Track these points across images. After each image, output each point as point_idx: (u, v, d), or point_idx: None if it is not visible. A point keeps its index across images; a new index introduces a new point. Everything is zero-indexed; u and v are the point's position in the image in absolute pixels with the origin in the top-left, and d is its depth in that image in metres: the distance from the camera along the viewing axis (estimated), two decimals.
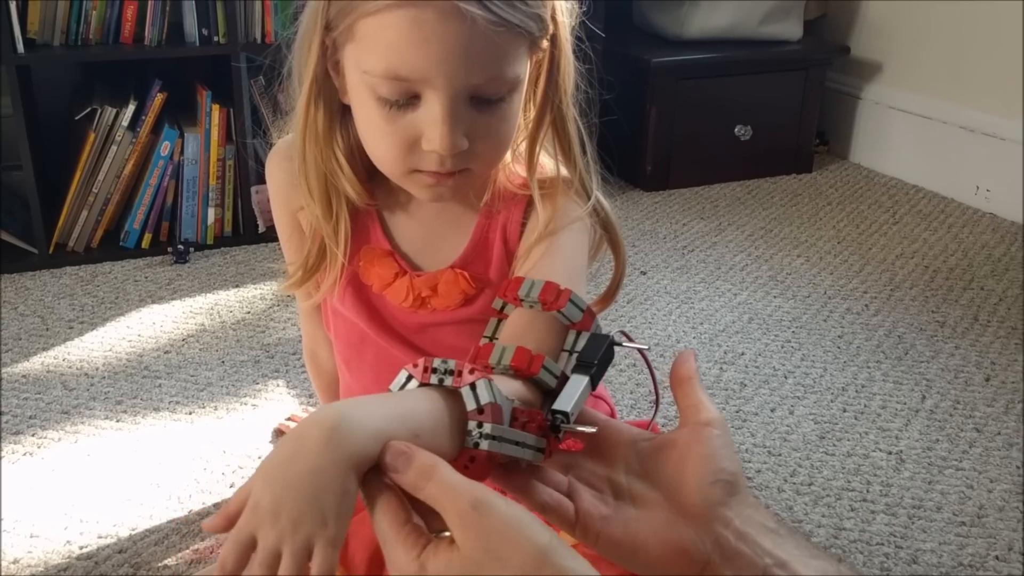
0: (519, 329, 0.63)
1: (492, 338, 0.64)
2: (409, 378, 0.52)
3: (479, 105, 0.68)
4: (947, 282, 1.70)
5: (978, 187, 2.06)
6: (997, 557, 1.01)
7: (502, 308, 0.65)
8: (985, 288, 1.67)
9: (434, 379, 0.51)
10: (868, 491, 1.11)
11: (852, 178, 2.27)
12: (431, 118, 0.67)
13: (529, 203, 0.79)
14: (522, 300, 0.59)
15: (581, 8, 0.75)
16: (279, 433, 1.24)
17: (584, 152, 0.80)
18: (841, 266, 1.78)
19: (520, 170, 0.79)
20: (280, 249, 0.89)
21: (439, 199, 0.76)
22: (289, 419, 1.26)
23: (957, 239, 1.90)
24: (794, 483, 1.13)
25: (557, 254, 0.76)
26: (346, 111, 0.74)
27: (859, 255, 1.83)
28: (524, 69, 0.70)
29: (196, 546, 1.01)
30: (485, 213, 0.80)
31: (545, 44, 0.71)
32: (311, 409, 1.27)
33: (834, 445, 1.21)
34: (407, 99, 0.67)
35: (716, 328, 1.53)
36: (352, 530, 0.83)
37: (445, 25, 0.63)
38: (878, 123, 2.32)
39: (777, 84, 2.23)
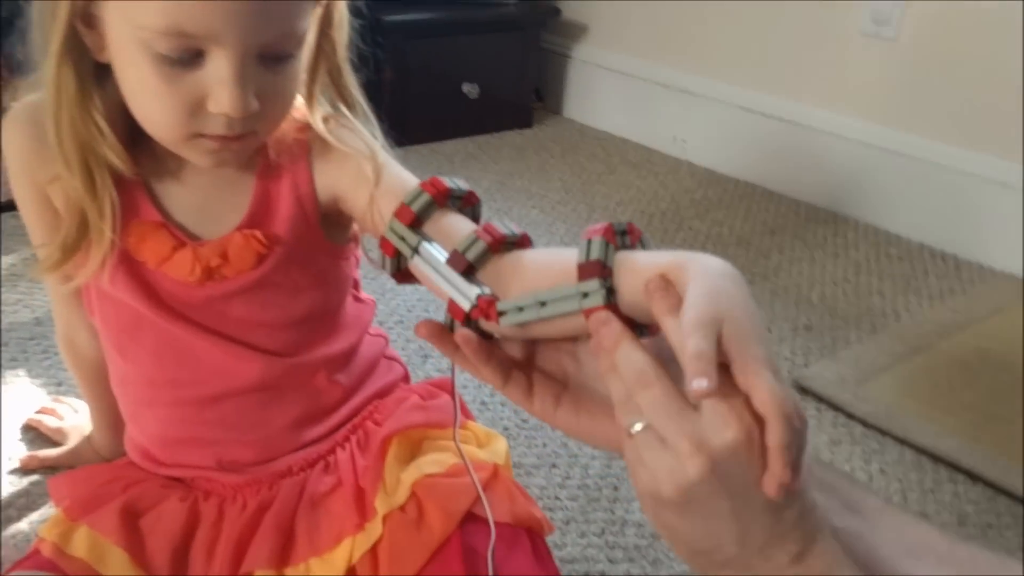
0: None
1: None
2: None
3: (267, 63, 0.65)
4: (662, 224, 1.89)
5: (675, 137, 2.29)
6: None
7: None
8: (693, 228, 1.88)
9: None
10: None
11: (568, 132, 2.43)
12: (219, 78, 0.63)
13: (311, 153, 0.76)
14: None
15: None
16: (30, 428, 1.12)
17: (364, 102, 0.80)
18: (572, 215, 1.91)
19: (296, 114, 0.76)
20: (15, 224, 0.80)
21: (222, 165, 0.72)
22: (41, 412, 1.14)
23: (664, 185, 2.11)
24: None
25: (398, 170, 0.74)
26: (101, 69, 0.68)
27: (585, 203, 1.97)
28: (308, 23, 0.69)
29: None
30: (264, 169, 0.76)
31: None
32: (64, 400, 1.16)
33: None
34: (189, 56, 0.62)
35: None
36: (149, 527, 0.79)
37: None
38: (587, 81, 2.50)
39: (498, 44, 2.32)
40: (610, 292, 0.51)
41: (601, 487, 1.10)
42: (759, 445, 0.44)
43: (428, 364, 1.34)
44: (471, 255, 0.61)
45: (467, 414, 0.95)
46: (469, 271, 0.61)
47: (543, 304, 0.55)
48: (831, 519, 0.52)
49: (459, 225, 0.66)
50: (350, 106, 0.79)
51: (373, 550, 0.78)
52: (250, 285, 0.77)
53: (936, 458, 1.18)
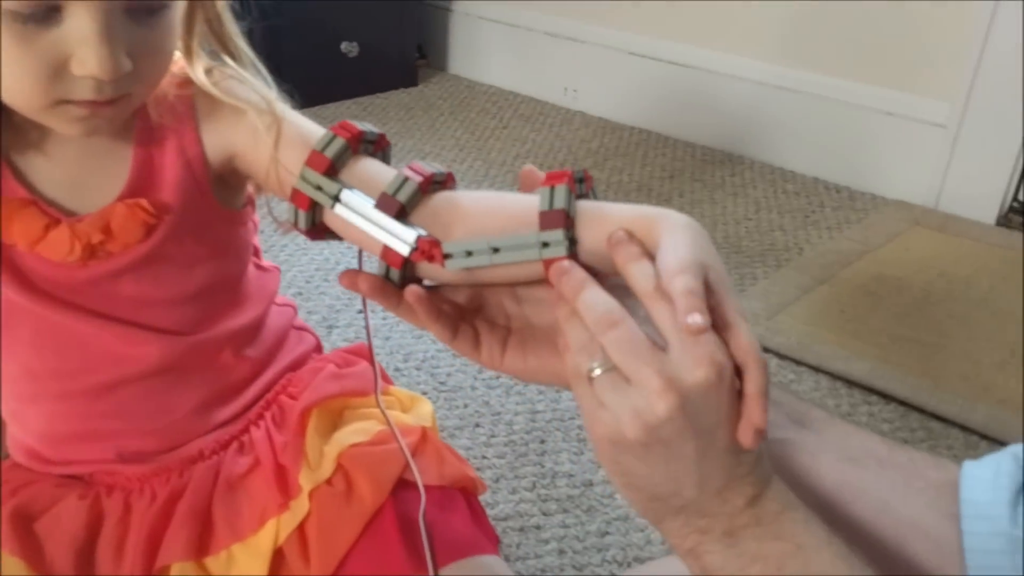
0: None
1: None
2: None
3: (137, 16, 0.58)
4: None
5: (566, 88, 2.26)
6: None
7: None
8: (593, 178, 1.86)
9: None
10: None
11: (456, 89, 2.38)
12: (82, 36, 0.55)
13: (196, 111, 0.70)
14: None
15: None
16: None
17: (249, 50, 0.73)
18: (469, 172, 1.86)
19: (174, 69, 0.69)
20: None
21: (93, 133, 0.64)
22: None
23: (559, 136, 2.08)
24: (483, 379, 1.19)
25: (299, 119, 0.68)
26: None
27: (482, 160, 1.93)
28: None
29: None
30: (143, 133, 0.69)
31: None
32: None
33: None
34: (44, 12, 0.55)
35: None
36: (46, 531, 0.72)
37: None
38: (472, 34, 2.44)
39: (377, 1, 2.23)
40: (571, 243, 0.50)
41: (528, 442, 1.07)
42: (729, 385, 0.44)
43: (335, 334, 1.28)
44: (403, 196, 0.57)
45: (387, 379, 0.91)
46: (401, 214, 0.57)
47: (496, 250, 0.53)
48: (776, 432, 0.54)
49: (377, 169, 0.61)
50: (235, 56, 0.72)
51: (300, 529, 0.73)
52: (139, 260, 0.69)
53: (850, 382, 1.20)
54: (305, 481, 0.74)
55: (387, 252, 0.56)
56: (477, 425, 1.10)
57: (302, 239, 1.42)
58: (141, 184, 0.68)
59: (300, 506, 0.73)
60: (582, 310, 0.48)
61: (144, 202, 0.67)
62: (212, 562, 0.72)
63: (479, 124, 2.14)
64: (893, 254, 1.51)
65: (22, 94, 0.59)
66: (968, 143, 1.64)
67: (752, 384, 0.45)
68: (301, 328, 0.89)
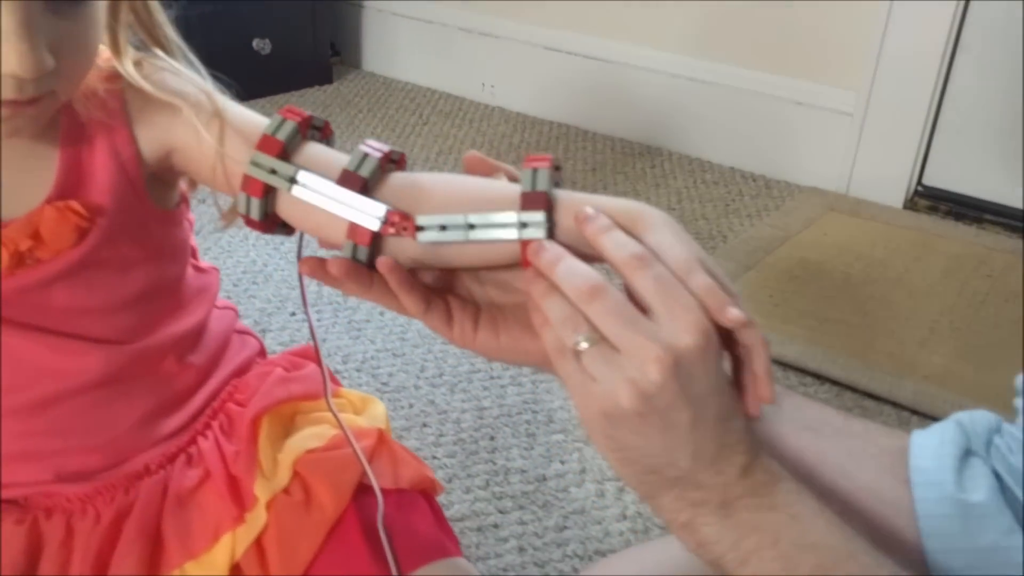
0: None
1: None
2: None
3: (58, 9, 0.54)
4: None
5: (483, 84, 2.26)
6: None
7: None
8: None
9: None
10: (493, 368, 1.20)
11: (372, 86, 2.34)
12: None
13: (127, 106, 0.66)
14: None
15: None
16: None
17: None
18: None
19: (99, 62, 0.65)
20: None
21: (14, 134, 0.60)
22: None
23: (480, 132, 2.07)
24: (426, 377, 1.17)
25: (240, 109, 0.66)
26: None
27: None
28: None
29: None
30: (69, 132, 0.64)
31: None
32: None
33: None
34: None
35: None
36: None
37: None
38: (385, 31, 2.40)
39: None
40: (551, 226, 0.50)
41: (477, 439, 1.06)
42: (715, 352, 0.45)
43: (268, 338, 1.24)
44: (365, 171, 0.55)
45: (335, 381, 0.88)
46: (364, 191, 0.55)
47: (472, 227, 0.52)
48: None
49: (327, 153, 0.59)
50: (165, 48, 0.68)
51: (258, 542, 0.71)
52: (72, 267, 0.65)
53: (784, 364, 1.23)
54: (261, 491, 0.71)
55: (354, 230, 0.54)
56: (424, 425, 1.08)
57: (226, 241, 1.37)
58: (70, 186, 0.64)
59: (257, 518, 0.70)
60: (562, 282, 0.47)
61: (76, 204, 0.63)
62: None
63: (399, 121, 2.11)
64: (812, 239, 1.56)
65: None
66: (873, 130, 1.70)
67: (759, 364, 0.46)
68: (243, 332, 0.86)
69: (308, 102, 2.18)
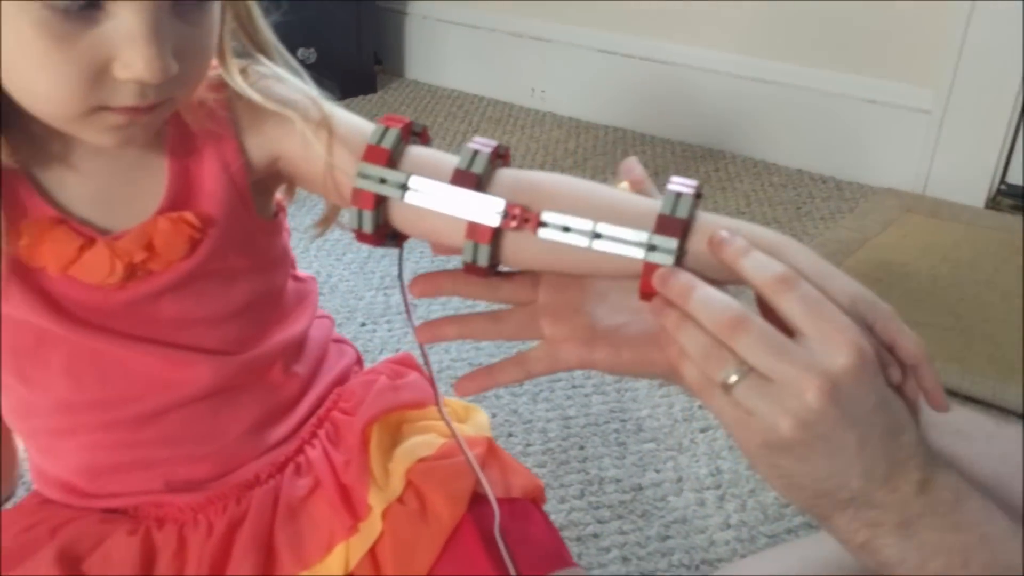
0: None
1: None
2: None
3: (183, 13, 0.52)
4: None
5: (533, 89, 2.23)
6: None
7: None
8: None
9: None
10: (574, 377, 1.17)
11: (417, 94, 2.32)
12: (128, 34, 0.50)
13: (234, 115, 0.64)
14: None
15: None
16: None
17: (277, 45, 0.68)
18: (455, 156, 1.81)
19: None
20: None
21: (128, 143, 0.58)
22: None
23: (533, 138, 2.04)
24: (507, 386, 1.14)
25: (347, 115, 0.64)
26: None
27: None
28: None
29: None
30: (176, 142, 0.63)
31: None
32: None
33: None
34: (86, 7, 0.49)
35: (362, 256, 1.47)
36: (95, 572, 0.65)
37: None
38: (429, 38, 2.39)
39: (331, 3, 2.17)
40: (681, 254, 0.49)
41: (566, 448, 1.03)
42: (875, 367, 0.44)
43: None
44: (477, 168, 0.54)
45: (434, 388, 0.85)
46: (479, 189, 0.53)
47: (598, 236, 0.50)
48: None
49: (433, 154, 0.58)
50: (266, 52, 0.66)
51: (372, 552, 0.68)
52: (182, 278, 0.63)
53: None
54: (375, 501, 0.68)
55: (474, 229, 0.53)
56: (510, 435, 1.05)
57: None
58: (180, 197, 0.63)
59: (371, 528, 0.68)
60: (698, 313, 0.46)
61: (189, 215, 0.62)
62: None
63: (449, 129, 2.09)
64: (892, 241, 1.51)
65: (57, 102, 0.52)
66: (954, 128, 1.66)
67: (928, 380, 0.46)
68: (339, 340, 0.84)
69: (354, 111, 2.12)
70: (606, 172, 1.86)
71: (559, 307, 0.59)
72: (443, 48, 2.37)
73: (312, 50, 2.13)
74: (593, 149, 1.97)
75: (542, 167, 1.87)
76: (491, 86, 2.30)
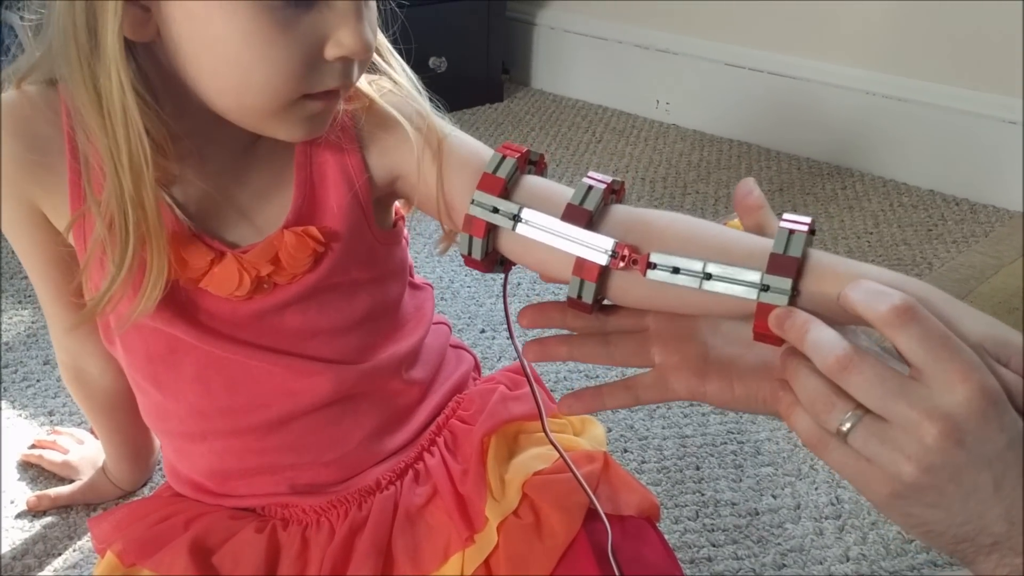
0: None
1: None
2: None
3: None
4: (666, 190, 1.81)
5: (658, 101, 2.21)
6: None
7: None
8: (700, 192, 1.80)
9: None
10: None
11: (542, 104, 2.33)
12: (342, 12, 0.53)
13: (359, 128, 0.65)
14: None
15: None
16: (28, 465, 0.99)
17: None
18: (571, 186, 1.81)
19: None
20: None
21: (317, 132, 0.60)
22: (34, 446, 1.01)
23: (656, 150, 2.03)
24: None
25: (463, 137, 0.65)
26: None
27: (580, 174, 1.87)
28: None
29: None
30: (303, 154, 0.64)
31: None
32: (64, 430, 1.02)
33: None
34: None
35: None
36: (225, 565, 0.67)
37: None
38: (556, 48, 2.40)
39: (463, 14, 2.21)
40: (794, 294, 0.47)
41: (682, 468, 1.02)
42: (1001, 400, 0.41)
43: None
44: (590, 205, 0.53)
45: (552, 400, 0.86)
46: (589, 226, 0.53)
47: (709, 276, 0.49)
48: None
49: (548, 185, 0.58)
50: (385, 59, 0.68)
51: (486, 563, 0.69)
52: (306, 291, 0.65)
53: None
54: (491, 512, 0.69)
55: (581, 265, 0.53)
56: (625, 451, 1.04)
57: (411, 257, 1.38)
58: (306, 211, 0.64)
59: (487, 539, 0.69)
60: (812, 353, 0.44)
61: (314, 230, 0.64)
62: None
63: (571, 139, 2.09)
64: None
65: (271, 91, 0.55)
66: None
67: None
68: (457, 346, 0.85)
69: (480, 120, 2.20)
70: (729, 186, 1.82)
71: (670, 335, 0.59)
72: (569, 58, 2.38)
73: (443, 59, 2.17)
74: (717, 163, 1.94)
75: (664, 180, 1.85)
76: (616, 97, 2.29)
